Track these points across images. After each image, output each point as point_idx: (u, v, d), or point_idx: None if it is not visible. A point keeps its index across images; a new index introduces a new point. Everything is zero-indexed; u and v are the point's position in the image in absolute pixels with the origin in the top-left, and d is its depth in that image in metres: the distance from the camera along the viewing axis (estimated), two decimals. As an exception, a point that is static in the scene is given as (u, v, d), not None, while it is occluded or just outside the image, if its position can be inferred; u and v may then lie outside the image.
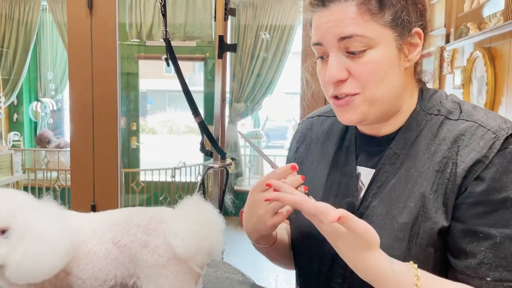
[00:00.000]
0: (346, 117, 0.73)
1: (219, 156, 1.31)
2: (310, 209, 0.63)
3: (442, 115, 0.73)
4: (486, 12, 2.10)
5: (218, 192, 1.31)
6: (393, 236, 0.69)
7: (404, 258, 0.67)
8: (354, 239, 0.62)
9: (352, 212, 0.73)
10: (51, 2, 5.03)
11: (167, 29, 1.05)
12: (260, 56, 4.94)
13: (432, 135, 0.72)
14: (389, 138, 0.75)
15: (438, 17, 2.74)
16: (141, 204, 4.58)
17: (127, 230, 0.75)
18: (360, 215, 0.73)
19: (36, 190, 4.73)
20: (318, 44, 0.72)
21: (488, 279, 0.65)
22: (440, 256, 0.70)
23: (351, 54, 0.69)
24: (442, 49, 2.76)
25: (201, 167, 4.75)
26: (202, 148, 1.26)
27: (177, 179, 4.46)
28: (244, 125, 5.90)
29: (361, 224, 0.62)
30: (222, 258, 1.33)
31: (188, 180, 4.62)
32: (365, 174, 0.77)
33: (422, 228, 0.68)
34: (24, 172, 4.90)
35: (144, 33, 5.01)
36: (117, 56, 1.90)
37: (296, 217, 0.85)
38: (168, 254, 0.73)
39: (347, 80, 0.70)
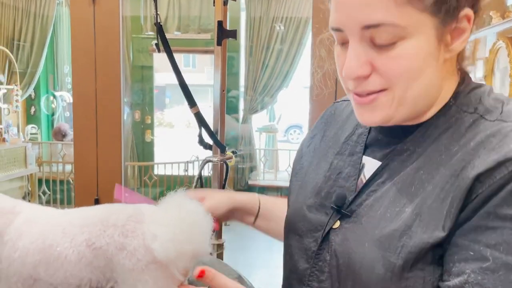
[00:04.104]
0: (366, 117, 0.62)
1: (219, 149, 1.24)
2: None
3: (478, 113, 0.59)
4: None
5: (218, 187, 1.25)
6: (377, 244, 0.58)
7: (385, 273, 0.56)
8: None
9: (340, 207, 0.65)
10: (67, -5, 5.05)
11: (158, 13, 0.99)
12: (275, 49, 4.86)
13: (458, 135, 0.58)
14: (407, 130, 0.63)
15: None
16: (153, 198, 4.56)
17: (102, 231, 0.68)
18: (351, 212, 0.64)
19: (51, 183, 4.76)
20: (337, 29, 0.59)
21: None
22: (426, 276, 0.56)
23: (377, 45, 0.56)
24: (463, 39, 2.64)
25: (214, 161, 4.70)
26: (201, 141, 1.20)
27: (190, 173, 4.43)
28: (261, 120, 5.82)
29: (230, 284, 0.60)
30: (218, 256, 1.27)
31: (201, 174, 4.58)
32: (370, 166, 0.66)
33: (414, 239, 0.55)
34: (40, 165, 4.95)
35: (158, 26, 4.98)
36: (120, 46, 1.85)
37: (291, 204, 0.77)
38: (147, 257, 0.67)
39: (370, 75, 0.57)
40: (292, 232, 0.73)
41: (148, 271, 0.67)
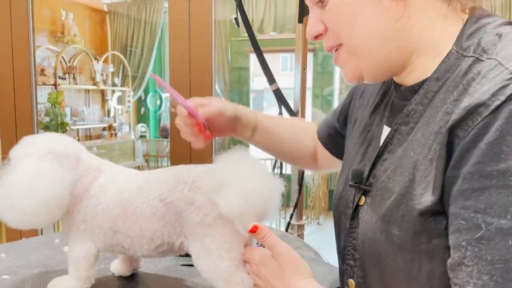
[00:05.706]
0: (344, 76, 0.63)
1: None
2: None
3: (473, 56, 0.50)
4: None
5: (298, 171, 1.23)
6: (381, 217, 0.54)
7: (389, 248, 0.53)
8: (278, 267, 0.62)
9: (360, 182, 0.61)
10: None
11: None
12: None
13: (455, 85, 0.50)
14: (413, 90, 0.57)
15: None
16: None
17: (174, 187, 0.72)
18: (370, 186, 0.60)
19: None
20: None
21: None
22: (437, 246, 0.49)
23: (320, 2, 0.59)
24: None
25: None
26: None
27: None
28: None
29: (283, 246, 0.63)
30: (298, 236, 1.25)
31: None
32: (385, 134, 0.61)
33: (408, 207, 0.50)
34: (147, 159, 5.38)
35: (255, 27, 5.10)
36: (213, 48, 1.91)
37: (337, 183, 0.74)
38: (214, 213, 0.69)
39: (326, 33, 0.60)
40: (335, 210, 0.71)
41: (215, 225, 0.69)
